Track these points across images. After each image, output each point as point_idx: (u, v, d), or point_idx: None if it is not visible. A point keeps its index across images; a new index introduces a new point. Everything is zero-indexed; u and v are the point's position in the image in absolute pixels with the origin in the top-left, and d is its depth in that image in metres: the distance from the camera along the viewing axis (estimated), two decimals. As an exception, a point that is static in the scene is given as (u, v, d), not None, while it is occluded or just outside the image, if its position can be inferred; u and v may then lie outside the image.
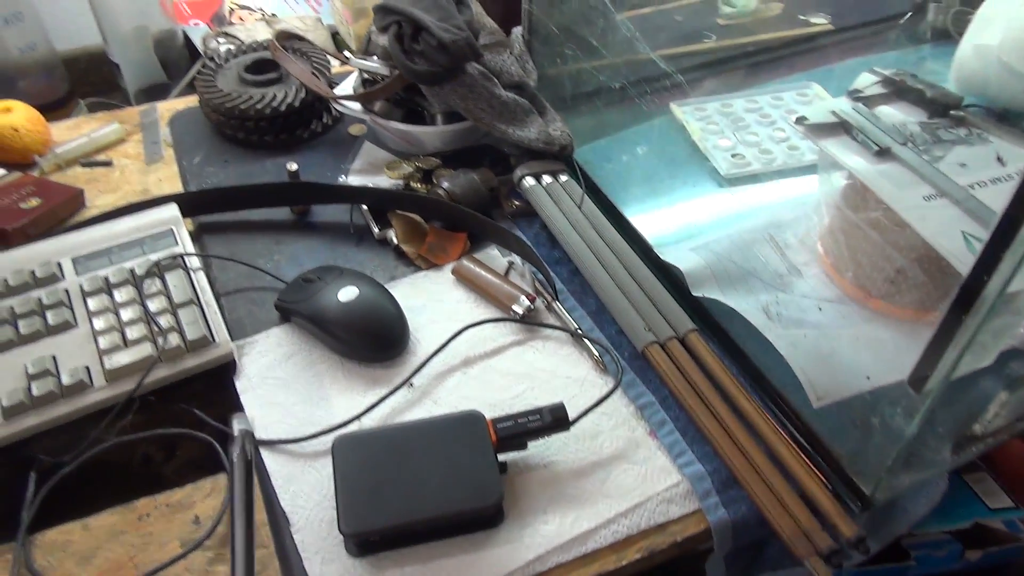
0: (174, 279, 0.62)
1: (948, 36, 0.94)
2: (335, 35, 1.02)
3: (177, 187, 0.76)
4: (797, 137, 0.77)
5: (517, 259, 0.67)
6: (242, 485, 0.29)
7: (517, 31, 0.78)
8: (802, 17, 0.98)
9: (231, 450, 0.28)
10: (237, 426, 0.29)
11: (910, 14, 0.97)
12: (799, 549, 0.47)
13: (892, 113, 0.63)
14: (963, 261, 0.49)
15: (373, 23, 0.74)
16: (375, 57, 0.74)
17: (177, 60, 1.03)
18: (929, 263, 0.56)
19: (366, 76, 0.77)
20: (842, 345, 0.58)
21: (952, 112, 0.62)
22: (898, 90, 0.65)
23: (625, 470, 0.52)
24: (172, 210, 0.68)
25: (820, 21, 0.98)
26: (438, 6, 0.68)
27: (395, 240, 0.68)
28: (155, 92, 1.01)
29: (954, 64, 0.79)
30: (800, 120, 0.62)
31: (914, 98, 0.64)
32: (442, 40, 0.66)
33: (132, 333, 0.58)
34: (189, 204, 0.70)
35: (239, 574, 0.32)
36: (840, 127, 0.62)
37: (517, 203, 0.71)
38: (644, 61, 0.88)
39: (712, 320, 0.60)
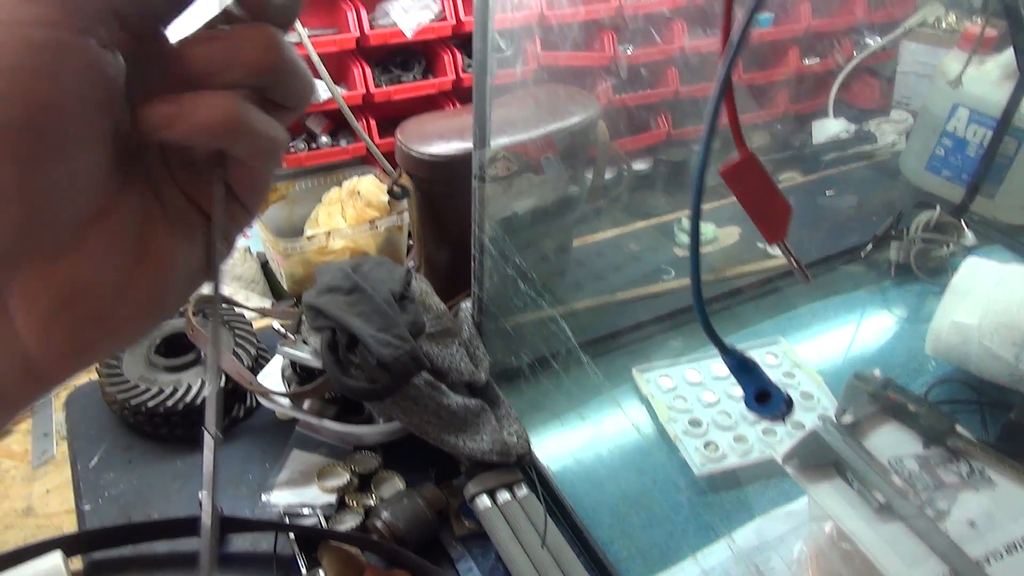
0: None
1: (911, 272, 0.91)
2: (264, 265, 0.93)
3: (68, 502, 0.64)
4: (771, 414, 0.70)
5: (471, 609, 0.57)
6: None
7: (466, 308, 0.71)
8: (760, 245, 0.94)
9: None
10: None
11: (870, 246, 0.94)
12: None
13: (885, 444, 0.57)
14: None
15: (304, 317, 0.66)
16: (306, 346, 0.66)
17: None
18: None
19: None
20: None
21: (948, 443, 0.57)
22: (885, 407, 0.59)
23: None
24: (55, 559, 0.56)
25: (777, 252, 0.95)
26: (378, 312, 0.60)
27: (326, 588, 0.58)
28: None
29: (930, 335, 0.75)
30: (787, 459, 0.55)
31: (905, 418, 0.58)
32: (382, 358, 0.58)
33: None
34: (78, 546, 0.58)
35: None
36: (831, 466, 0.55)
37: (469, 523, 0.62)
38: (600, 323, 0.82)
39: None
